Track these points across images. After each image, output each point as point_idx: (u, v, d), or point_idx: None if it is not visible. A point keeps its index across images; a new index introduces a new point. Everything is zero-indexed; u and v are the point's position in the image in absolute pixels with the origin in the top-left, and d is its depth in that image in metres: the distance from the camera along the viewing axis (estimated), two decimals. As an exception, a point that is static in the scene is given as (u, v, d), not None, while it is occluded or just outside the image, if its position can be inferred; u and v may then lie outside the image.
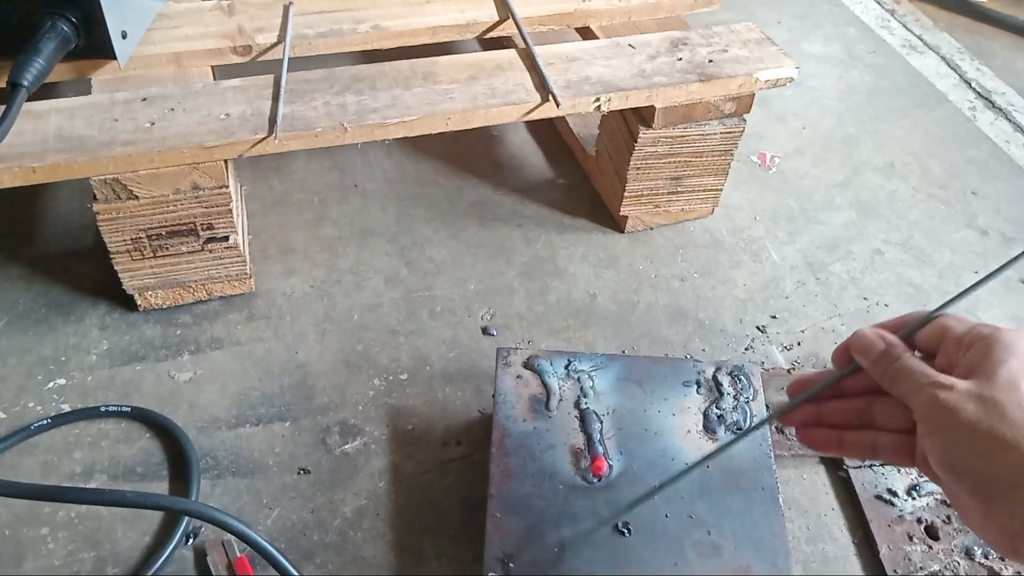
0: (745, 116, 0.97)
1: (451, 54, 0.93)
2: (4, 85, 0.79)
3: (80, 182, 0.79)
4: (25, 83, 0.77)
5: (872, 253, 1.07)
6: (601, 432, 0.74)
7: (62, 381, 0.86)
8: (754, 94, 0.96)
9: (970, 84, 1.40)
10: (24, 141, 0.78)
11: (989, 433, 0.43)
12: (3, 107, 0.77)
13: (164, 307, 0.92)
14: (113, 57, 0.85)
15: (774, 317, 0.98)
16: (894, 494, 0.80)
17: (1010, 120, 1.32)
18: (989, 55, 1.47)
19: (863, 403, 0.53)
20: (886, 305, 1.00)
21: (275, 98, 0.84)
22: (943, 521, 0.78)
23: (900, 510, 0.79)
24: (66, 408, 0.83)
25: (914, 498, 0.79)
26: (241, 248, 0.90)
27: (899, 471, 0.81)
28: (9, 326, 0.91)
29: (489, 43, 1.16)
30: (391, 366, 0.89)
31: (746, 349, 0.94)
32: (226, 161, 0.82)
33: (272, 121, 0.81)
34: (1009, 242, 1.10)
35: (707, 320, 0.96)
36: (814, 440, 0.55)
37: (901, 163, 1.22)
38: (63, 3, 0.81)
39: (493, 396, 0.76)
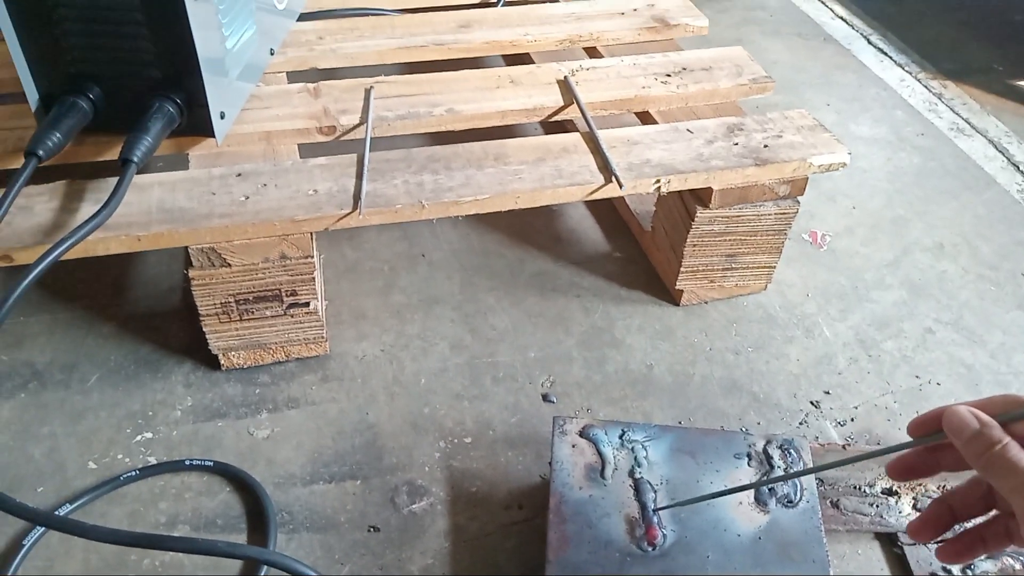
0: (799, 198, 1.02)
1: (517, 136, 1.00)
2: (115, 158, 0.87)
3: (168, 248, 0.85)
4: (135, 159, 0.84)
5: (923, 332, 1.09)
6: (655, 501, 0.76)
7: (149, 435, 0.91)
8: (807, 177, 1.00)
9: (1018, 167, 1.42)
10: (130, 212, 0.85)
11: None
12: (115, 179, 0.84)
13: (245, 367, 0.98)
14: (212, 135, 0.92)
15: (827, 392, 1.00)
16: (948, 572, 0.81)
17: (1060, 203, 1.34)
18: (1037, 139, 1.51)
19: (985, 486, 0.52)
20: (938, 384, 1.02)
21: (359, 176, 0.91)
22: (998, 602, 0.79)
23: (955, 589, 0.80)
24: (152, 461, 0.88)
25: (969, 577, 0.81)
26: (320, 313, 0.95)
27: (953, 550, 0.82)
28: (101, 381, 0.97)
29: (553, 126, 1.22)
30: (456, 429, 0.93)
31: (800, 423, 0.96)
32: (312, 233, 0.88)
33: (356, 197, 0.88)
34: (1061, 324, 1.11)
35: (761, 394, 0.99)
36: (956, 555, 0.54)
37: (950, 244, 1.25)
38: (171, 86, 0.89)
39: (549, 463, 0.80)
